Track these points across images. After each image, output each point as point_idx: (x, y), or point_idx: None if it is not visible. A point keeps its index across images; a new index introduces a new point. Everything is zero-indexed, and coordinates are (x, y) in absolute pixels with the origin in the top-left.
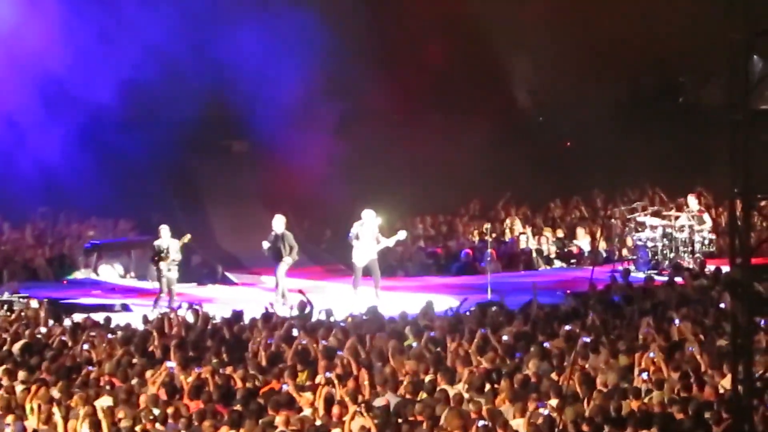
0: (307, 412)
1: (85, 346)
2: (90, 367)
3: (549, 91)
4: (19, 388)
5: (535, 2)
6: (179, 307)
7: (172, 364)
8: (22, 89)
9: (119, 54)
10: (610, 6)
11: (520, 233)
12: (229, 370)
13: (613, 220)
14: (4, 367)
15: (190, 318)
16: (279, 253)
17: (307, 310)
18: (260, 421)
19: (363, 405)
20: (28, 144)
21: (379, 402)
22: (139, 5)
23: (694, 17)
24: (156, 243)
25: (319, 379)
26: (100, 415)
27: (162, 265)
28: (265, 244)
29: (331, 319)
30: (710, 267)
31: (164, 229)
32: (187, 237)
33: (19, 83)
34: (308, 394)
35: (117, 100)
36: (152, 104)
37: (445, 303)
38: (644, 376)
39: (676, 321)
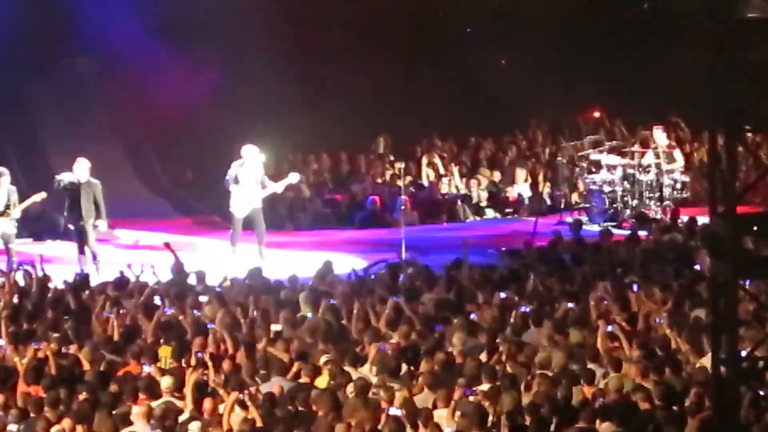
0: (171, 400)
1: None
2: None
3: None
4: None
5: None
6: (15, 268)
7: (0, 340)
8: None
9: None
10: None
11: (442, 176)
12: (73, 348)
13: (559, 159)
14: None
15: (22, 282)
16: (79, 211)
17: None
18: (114, 412)
19: (246, 393)
20: None
21: (265, 388)
22: None
23: None
24: None
25: (190, 360)
26: None
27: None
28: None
29: (204, 284)
30: (683, 217)
31: (4, 175)
32: (42, 195)
33: None
34: (171, 379)
35: None
36: None
37: (347, 263)
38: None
39: (636, 287)
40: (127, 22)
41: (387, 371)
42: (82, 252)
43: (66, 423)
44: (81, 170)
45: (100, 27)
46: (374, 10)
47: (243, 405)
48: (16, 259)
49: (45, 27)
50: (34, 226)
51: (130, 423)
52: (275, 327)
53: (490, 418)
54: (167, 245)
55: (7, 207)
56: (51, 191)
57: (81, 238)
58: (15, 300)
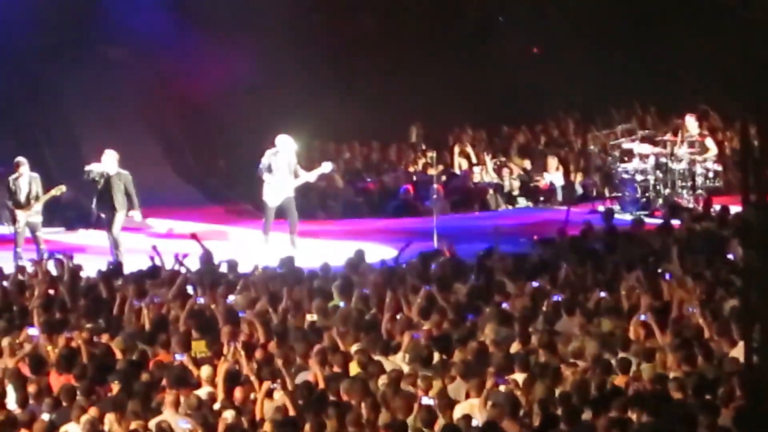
0: (204, 390)
1: None
2: None
3: None
4: None
5: None
6: (46, 257)
7: (34, 330)
8: None
9: None
10: None
11: (474, 164)
12: (105, 337)
13: (591, 148)
14: None
15: (55, 272)
16: (110, 201)
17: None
18: (147, 402)
19: (279, 382)
20: None
21: (299, 378)
22: None
23: None
24: (11, 180)
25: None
26: None
27: (20, 213)
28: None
29: (236, 272)
30: (716, 206)
31: (22, 164)
32: (62, 188)
33: None
34: (207, 368)
35: None
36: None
37: (379, 252)
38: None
39: (670, 275)
40: (158, 11)
41: (419, 361)
42: (112, 241)
43: (97, 412)
44: (109, 162)
45: (132, 15)
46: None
47: (270, 397)
48: (45, 248)
49: (76, 14)
50: (66, 215)
51: (161, 412)
52: (310, 317)
53: (523, 407)
54: (194, 236)
55: (29, 198)
56: (82, 181)
57: (107, 228)
58: (48, 290)
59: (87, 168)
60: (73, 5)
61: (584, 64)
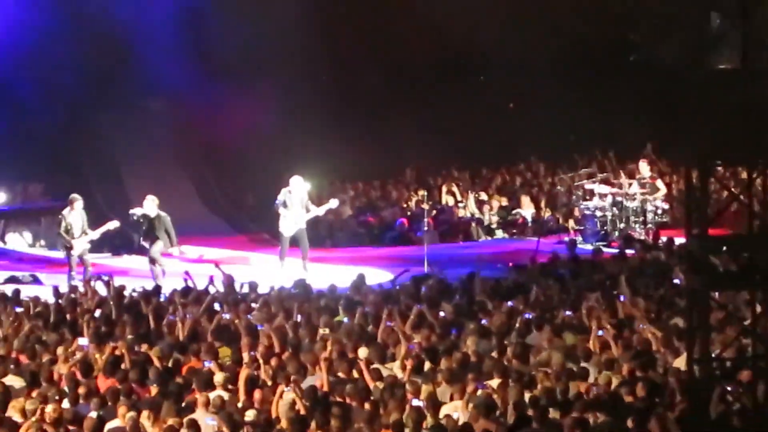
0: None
1: None
2: None
3: (491, 50)
4: None
5: None
6: (94, 279)
7: (84, 340)
8: None
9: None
10: None
11: (459, 201)
12: (145, 347)
13: (558, 188)
14: None
15: (102, 291)
16: (154, 239)
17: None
18: (180, 402)
19: (292, 386)
20: None
21: (307, 382)
22: None
23: None
24: (66, 214)
25: (244, 358)
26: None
27: (74, 243)
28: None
29: (256, 292)
30: (663, 238)
31: (76, 201)
32: (116, 224)
33: None
34: (220, 375)
35: (21, 56)
36: (59, 62)
37: (378, 276)
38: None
39: (624, 297)
40: (189, 67)
41: (411, 368)
42: (153, 267)
43: (137, 410)
44: (150, 206)
45: (167, 71)
46: (405, 58)
47: (281, 396)
48: (92, 270)
49: (120, 71)
50: (112, 242)
51: (193, 411)
52: (322, 330)
53: (498, 408)
54: (216, 265)
55: (82, 230)
56: (126, 213)
57: (150, 259)
58: (96, 306)
59: (131, 211)
60: (117, 63)
61: (552, 117)
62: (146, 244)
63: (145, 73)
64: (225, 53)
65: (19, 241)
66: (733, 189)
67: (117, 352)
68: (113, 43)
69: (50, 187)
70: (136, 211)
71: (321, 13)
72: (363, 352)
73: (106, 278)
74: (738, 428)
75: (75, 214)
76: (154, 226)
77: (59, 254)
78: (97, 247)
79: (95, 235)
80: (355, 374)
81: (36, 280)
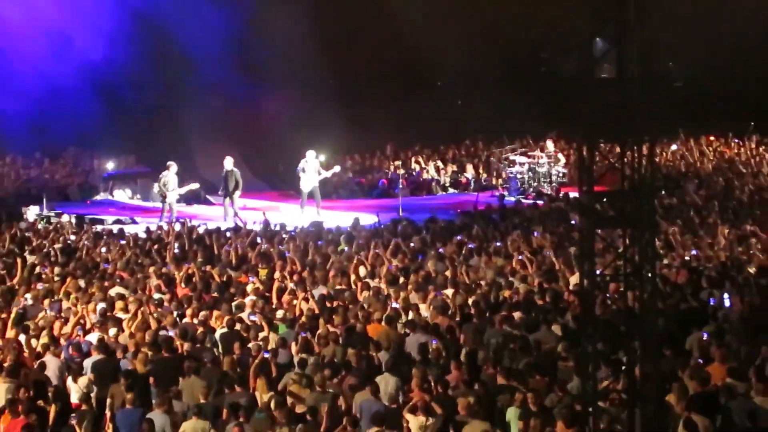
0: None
1: (103, 249)
2: (106, 265)
3: (447, 63)
4: (56, 279)
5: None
6: (175, 220)
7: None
8: (62, 64)
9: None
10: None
11: (423, 168)
12: (209, 267)
13: (492, 159)
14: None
15: (178, 228)
16: (227, 187)
17: (269, 225)
18: (232, 304)
19: (308, 292)
20: (63, 104)
21: (318, 291)
22: None
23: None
24: (163, 175)
25: (276, 275)
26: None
27: (168, 195)
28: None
29: (285, 230)
30: (563, 193)
31: (172, 166)
32: (196, 185)
33: (59, 60)
34: (251, 285)
35: (120, 68)
36: (146, 71)
37: (367, 219)
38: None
39: (537, 233)
40: (237, 73)
41: (390, 282)
42: (225, 211)
43: (204, 313)
44: (228, 163)
45: (222, 77)
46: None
47: (306, 300)
48: (176, 215)
49: (190, 77)
50: (185, 195)
51: (242, 311)
52: (333, 256)
53: (451, 309)
54: (263, 211)
55: (174, 186)
56: (196, 178)
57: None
58: (175, 239)
59: (224, 167)
60: (187, 72)
61: (489, 110)
62: (222, 192)
63: (207, 79)
64: (261, 64)
65: (122, 194)
66: (610, 159)
67: (189, 271)
68: (184, 58)
69: (141, 158)
70: (225, 167)
71: (326, 36)
72: (362, 271)
73: (182, 220)
74: (614, 323)
75: (170, 174)
76: (228, 177)
77: (150, 204)
78: (179, 198)
79: (181, 191)
80: (352, 286)
81: (134, 222)
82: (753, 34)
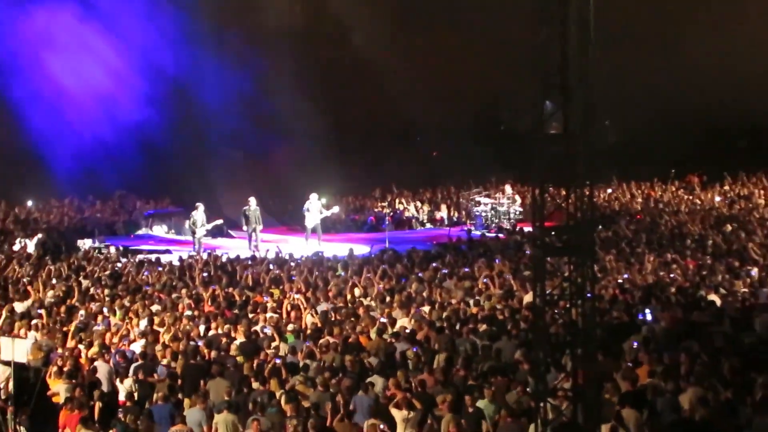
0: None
1: (145, 274)
2: (147, 287)
3: (423, 122)
4: (106, 299)
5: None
6: (202, 252)
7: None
8: (110, 123)
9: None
10: (459, 63)
11: (405, 208)
12: (231, 289)
13: (461, 200)
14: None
15: (205, 258)
16: (251, 222)
17: (280, 254)
18: (249, 319)
19: (312, 309)
20: (111, 156)
21: (320, 308)
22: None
23: (512, 74)
24: (192, 214)
25: (286, 295)
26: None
27: (197, 230)
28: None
29: (292, 258)
30: (519, 228)
31: (200, 206)
32: (221, 221)
33: (107, 119)
34: (275, 304)
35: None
36: (175, 128)
37: (360, 249)
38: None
39: (498, 260)
40: (252, 128)
41: (379, 301)
42: (249, 244)
43: (227, 327)
44: (252, 202)
45: (241, 131)
46: (372, 126)
47: (311, 315)
48: (203, 246)
49: (214, 132)
50: (211, 230)
51: (257, 324)
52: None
53: (430, 321)
54: (277, 246)
55: (202, 223)
56: (220, 215)
57: (250, 237)
58: (203, 266)
59: (244, 209)
60: (211, 128)
61: (458, 160)
62: (246, 228)
63: (227, 133)
64: (272, 119)
65: (159, 230)
66: (558, 200)
67: (215, 292)
68: (208, 114)
69: (174, 199)
70: (245, 209)
71: (327, 99)
72: (357, 291)
73: (209, 251)
74: (562, 334)
75: (198, 213)
76: (250, 215)
77: (182, 237)
78: (206, 233)
79: (208, 226)
80: (348, 304)
81: (169, 252)
82: (675, 95)
